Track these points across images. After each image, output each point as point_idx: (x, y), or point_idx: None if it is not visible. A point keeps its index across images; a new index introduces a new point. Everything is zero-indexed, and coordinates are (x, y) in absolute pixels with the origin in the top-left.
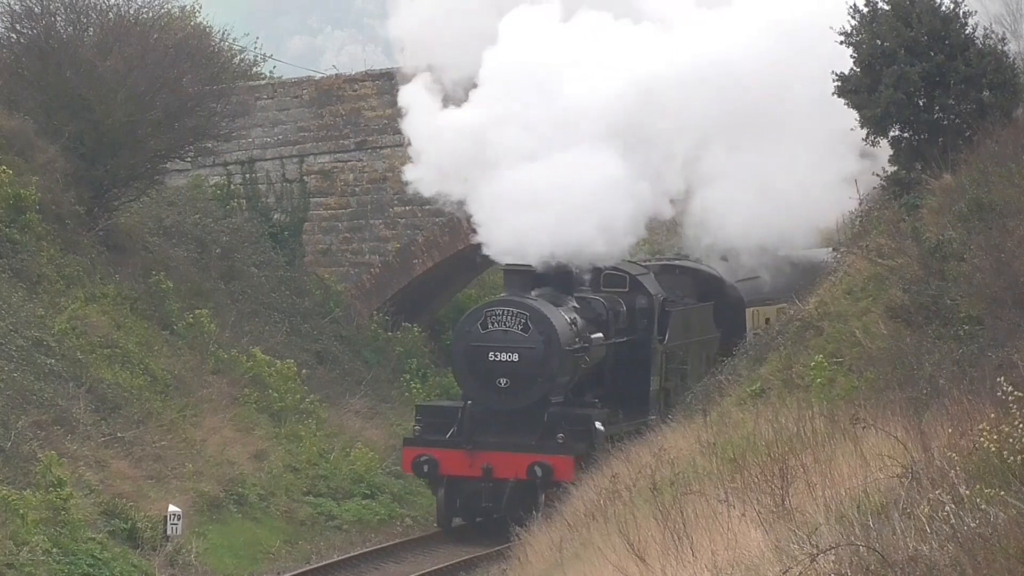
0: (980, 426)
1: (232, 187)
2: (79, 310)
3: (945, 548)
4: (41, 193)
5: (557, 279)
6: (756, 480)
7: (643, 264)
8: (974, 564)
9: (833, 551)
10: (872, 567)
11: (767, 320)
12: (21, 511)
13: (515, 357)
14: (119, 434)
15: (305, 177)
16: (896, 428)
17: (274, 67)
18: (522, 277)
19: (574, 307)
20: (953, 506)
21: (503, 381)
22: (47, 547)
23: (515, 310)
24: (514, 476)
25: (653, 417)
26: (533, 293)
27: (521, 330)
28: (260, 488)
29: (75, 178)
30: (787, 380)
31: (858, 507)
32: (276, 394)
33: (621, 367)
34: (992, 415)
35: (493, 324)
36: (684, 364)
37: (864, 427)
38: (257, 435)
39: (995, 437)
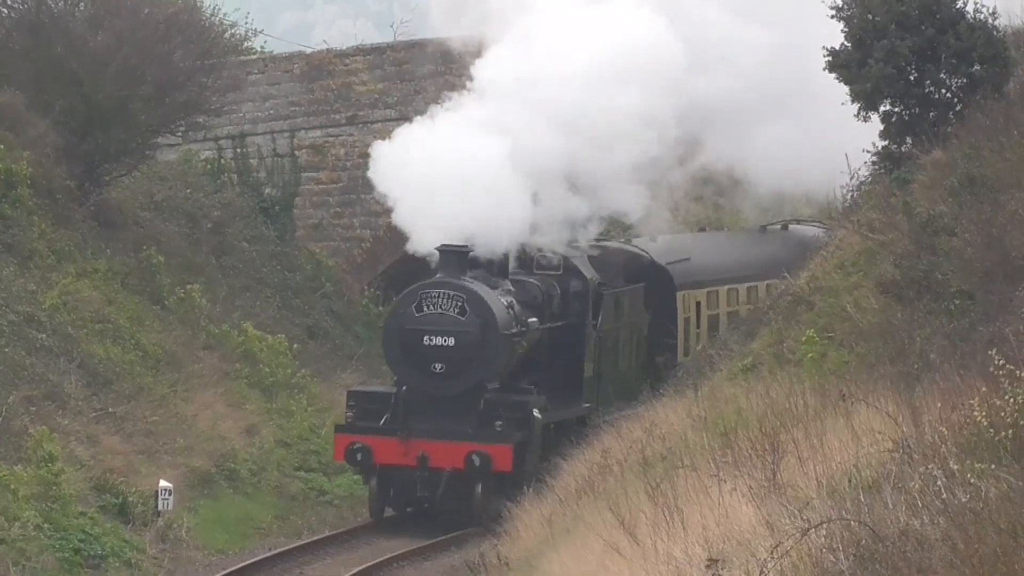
0: (971, 400)
1: (223, 162)
2: (70, 285)
3: (936, 522)
4: (32, 168)
5: (492, 261)
6: (747, 455)
7: (576, 245)
8: (965, 538)
9: (824, 526)
10: (863, 542)
11: (697, 303)
12: (12, 486)
13: (451, 341)
14: (110, 409)
15: (296, 152)
16: (887, 403)
17: (265, 42)
18: (458, 258)
19: (509, 290)
20: (944, 480)
21: (438, 366)
22: (38, 522)
23: (451, 292)
24: (451, 465)
25: (588, 404)
26: (468, 275)
27: (457, 313)
28: (251, 463)
29: (66, 153)
30: (778, 355)
31: (849, 482)
32: (267, 369)
33: (555, 352)
34: (983, 389)
35: (428, 307)
36: (616, 349)
37: (854, 402)
38: (248, 410)
39: (986, 411)
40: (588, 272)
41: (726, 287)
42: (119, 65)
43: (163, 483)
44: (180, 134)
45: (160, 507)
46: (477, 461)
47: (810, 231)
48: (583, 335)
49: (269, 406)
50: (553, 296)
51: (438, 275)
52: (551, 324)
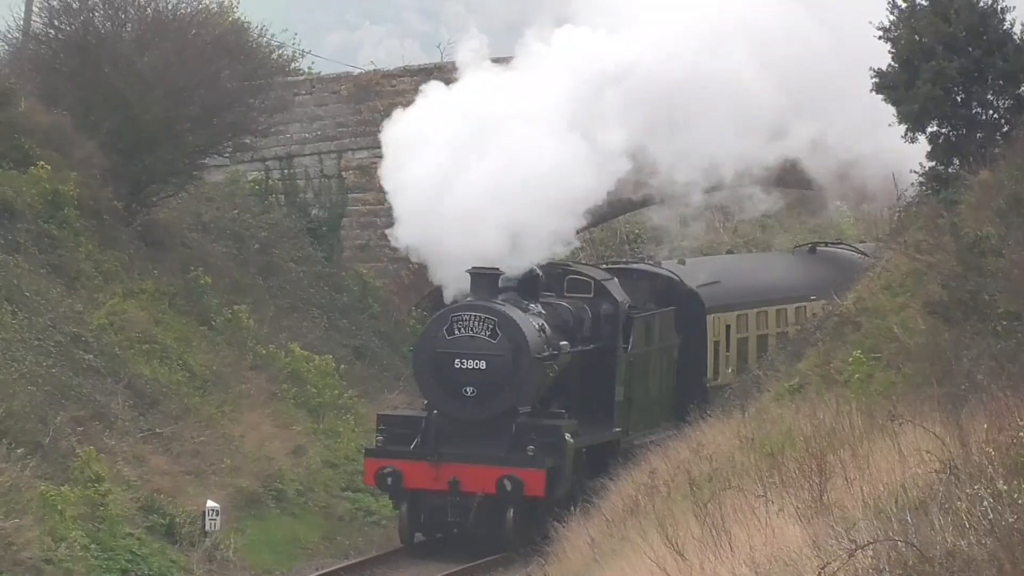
0: (1019, 421)
1: (270, 183)
2: (117, 305)
3: (983, 543)
4: (79, 189)
5: (523, 283)
6: (794, 475)
7: (606, 268)
8: (1012, 559)
9: (871, 546)
10: (910, 562)
11: (727, 327)
12: (59, 507)
13: (482, 365)
14: (157, 429)
15: (343, 172)
16: (934, 423)
17: (312, 63)
18: (489, 280)
19: (540, 313)
20: (991, 501)
21: (470, 390)
22: (85, 543)
23: (483, 315)
24: (482, 490)
25: (618, 429)
26: (499, 297)
27: (489, 336)
28: (298, 483)
29: (113, 174)
30: (825, 375)
31: (896, 502)
32: (314, 389)
33: (586, 376)
34: None
35: (459, 330)
36: (647, 373)
37: (901, 423)
38: (295, 430)
39: None
40: (619, 295)
41: (755, 310)
42: (166, 86)
43: (210, 503)
44: (227, 155)
45: (207, 527)
46: (509, 486)
47: (840, 254)
48: (614, 359)
49: (316, 427)
50: (584, 319)
51: (469, 298)
52: (582, 348)
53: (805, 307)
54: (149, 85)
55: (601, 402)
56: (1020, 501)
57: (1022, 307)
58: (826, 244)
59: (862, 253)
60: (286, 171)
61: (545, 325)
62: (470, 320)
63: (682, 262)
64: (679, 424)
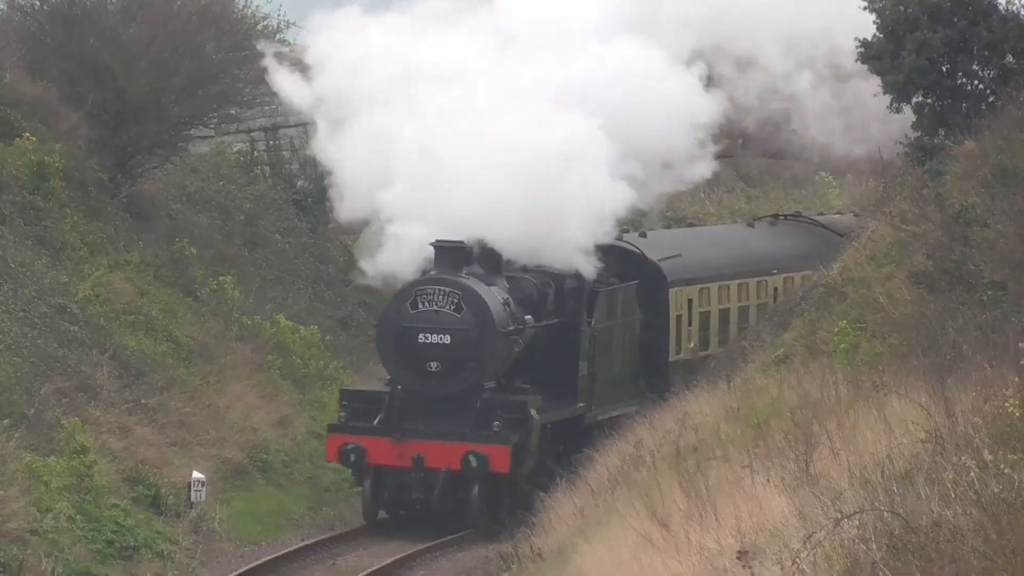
0: (1004, 391)
1: (256, 154)
2: (103, 277)
3: (969, 513)
4: (65, 160)
5: (486, 257)
6: (780, 446)
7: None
8: (998, 529)
9: (857, 516)
10: (896, 532)
11: (689, 300)
12: (45, 478)
13: (447, 339)
14: (143, 401)
15: None
16: (920, 394)
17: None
18: (454, 254)
19: (504, 287)
20: (977, 471)
21: (434, 365)
22: (71, 514)
23: (447, 289)
24: (447, 466)
25: (582, 404)
26: (464, 271)
27: (453, 310)
28: (284, 455)
29: (98, 145)
30: (811, 346)
31: (882, 472)
32: (300, 360)
33: (550, 351)
34: (1016, 380)
35: (424, 304)
36: (610, 347)
37: (887, 393)
38: (281, 401)
39: (1019, 402)
40: (584, 269)
41: (717, 284)
42: (151, 58)
43: (196, 474)
44: (212, 126)
45: (193, 498)
46: (474, 462)
47: (801, 227)
48: (578, 333)
49: (301, 398)
50: (548, 293)
51: (433, 271)
52: (547, 322)
53: (767, 280)
54: (134, 57)
55: (564, 377)
56: (1006, 471)
57: (1007, 277)
58: (786, 216)
59: (821, 225)
60: (271, 142)
61: (510, 299)
62: (434, 294)
63: (643, 235)
64: (641, 399)
